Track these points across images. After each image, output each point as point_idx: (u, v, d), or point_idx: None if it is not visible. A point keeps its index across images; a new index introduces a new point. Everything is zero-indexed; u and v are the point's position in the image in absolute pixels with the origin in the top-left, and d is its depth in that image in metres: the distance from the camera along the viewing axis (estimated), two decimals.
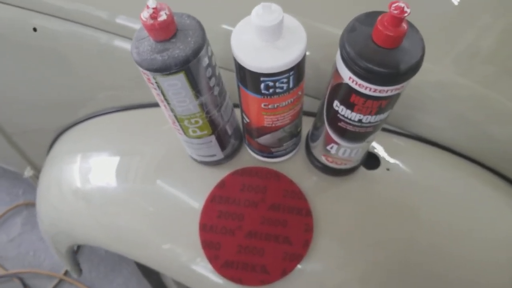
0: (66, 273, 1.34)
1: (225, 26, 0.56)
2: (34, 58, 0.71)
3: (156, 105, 0.67)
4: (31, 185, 1.43)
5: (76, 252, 1.09)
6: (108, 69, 0.68)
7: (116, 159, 0.65)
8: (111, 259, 1.35)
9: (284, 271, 0.51)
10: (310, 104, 0.58)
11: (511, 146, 0.57)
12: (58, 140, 0.84)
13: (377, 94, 0.39)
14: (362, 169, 0.56)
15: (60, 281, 1.33)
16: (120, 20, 0.60)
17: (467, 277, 0.55)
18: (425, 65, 0.38)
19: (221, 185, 0.55)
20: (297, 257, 0.51)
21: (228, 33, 0.53)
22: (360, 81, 0.38)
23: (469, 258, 0.55)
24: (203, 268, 0.55)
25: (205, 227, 0.53)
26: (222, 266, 0.52)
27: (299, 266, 0.52)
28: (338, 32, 0.53)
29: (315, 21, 0.54)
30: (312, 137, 0.53)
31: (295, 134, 0.52)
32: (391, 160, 0.57)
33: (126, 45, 0.62)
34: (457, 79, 0.55)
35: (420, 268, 0.53)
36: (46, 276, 1.34)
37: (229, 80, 0.50)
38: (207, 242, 0.53)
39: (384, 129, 0.59)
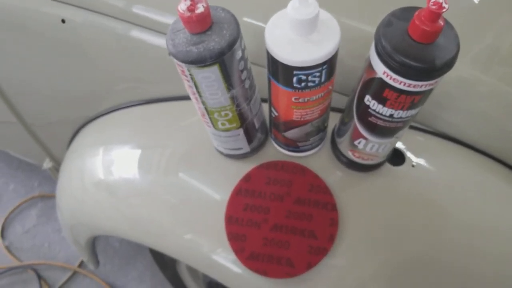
0: (80, 265, 1.35)
1: (252, 21, 0.56)
2: (58, 50, 0.72)
3: (178, 98, 0.68)
4: (47, 177, 1.45)
5: None
6: (131, 63, 0.68)
7: (139, 152, 0.66)
8: (126, 252, 1.36)
9: (309, 265, 0.52)
10: (335, 99, 0.58)
11: None
12: (80, 133, 0.84)
13: (411, 89, 0.39)
14: (387, 165, 0.56)
15: (75, 273, 1.35)
16: (149, 14, 0.61)
17: (494, 274, 0.55)
18: None
19: (247, 178, 0.55)
20: (322, 251, 0.52)
21: (255, 28, 0.54)
22: (394, 76, 0.38)
23: (495, 257, 0.55)
24: (227, 260, 0.55)
25: (231, 220, 0.54)
26: (248, 258, 0.52)
27: (324, 259, 0.52)
28: (363, 27, 0.54)
29: (340, 16, 0.55)
30: (339, 132, 0.53)
31: (322, 128, 0.53)
32: (416, 157, 0.57)
33: (150, 38, 0.62)
34: (478, 75, 0.55)
35: (444, 265, 0.53)
36: (60, 268, 1.35)
37: (255, 74, 0.50)
38: (233, 234, 0.53)
39: (409, 126, 0.59)
